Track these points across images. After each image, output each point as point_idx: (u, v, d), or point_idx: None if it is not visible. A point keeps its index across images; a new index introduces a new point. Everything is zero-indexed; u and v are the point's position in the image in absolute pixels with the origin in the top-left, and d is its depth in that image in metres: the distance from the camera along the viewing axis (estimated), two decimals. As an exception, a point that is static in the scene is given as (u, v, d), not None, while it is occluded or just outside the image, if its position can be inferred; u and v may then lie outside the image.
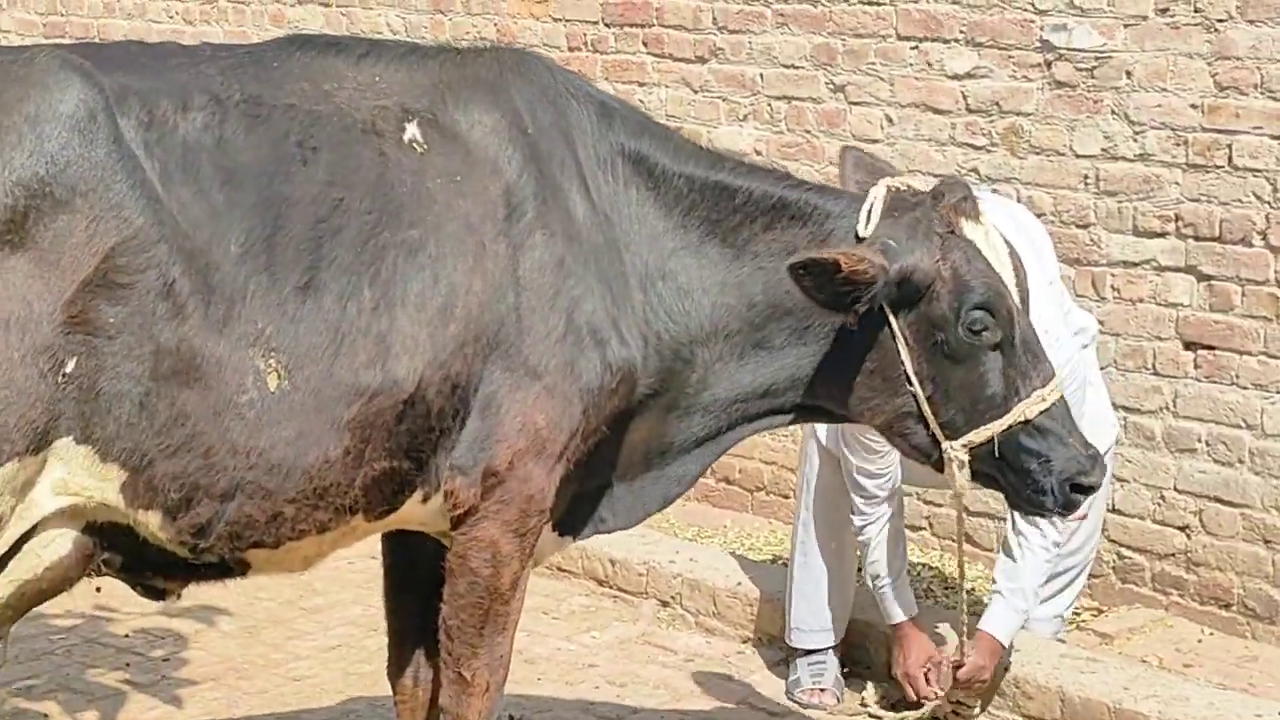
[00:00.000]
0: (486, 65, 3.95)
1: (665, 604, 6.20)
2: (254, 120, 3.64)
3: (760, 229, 4.01)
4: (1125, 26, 6.07)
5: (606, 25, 7.49)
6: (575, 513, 4.13)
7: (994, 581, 5.33)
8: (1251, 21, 5.81)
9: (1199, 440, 6.05)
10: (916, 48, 6.60)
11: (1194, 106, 5.95)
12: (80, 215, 3.35)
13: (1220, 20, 5.86)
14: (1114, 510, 6.22)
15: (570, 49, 7.55)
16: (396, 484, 3.76)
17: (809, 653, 5.57)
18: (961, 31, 6.47)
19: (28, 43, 8.43)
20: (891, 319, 3.89)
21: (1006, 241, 4.01)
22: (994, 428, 3.89)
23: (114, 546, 3.61)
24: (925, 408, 3.91)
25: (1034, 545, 5.21)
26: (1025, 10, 6.29)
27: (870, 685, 5.60)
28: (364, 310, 3.61)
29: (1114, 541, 6.24)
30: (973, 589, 6.20)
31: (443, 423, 3.73)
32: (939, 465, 3.99)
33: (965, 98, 6.49)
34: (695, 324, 4.01)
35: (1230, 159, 5.88)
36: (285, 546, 3.72)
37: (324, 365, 3.57)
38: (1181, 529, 6.10)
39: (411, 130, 3.77)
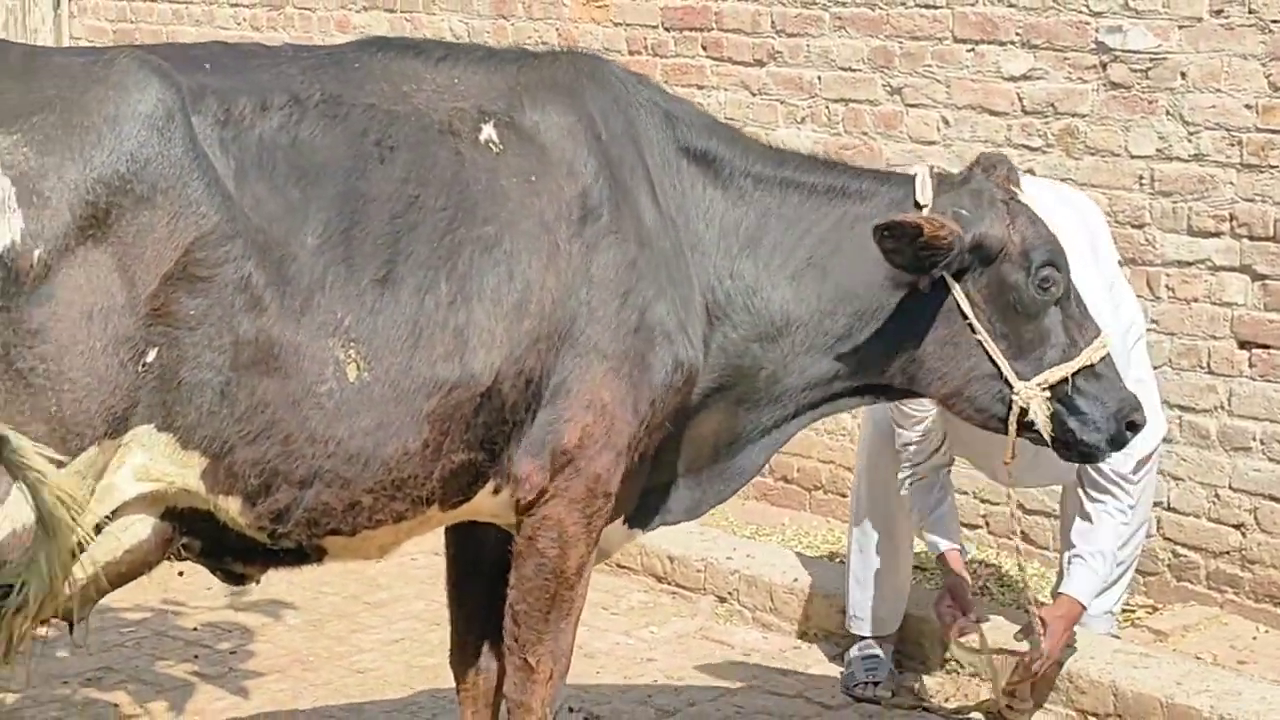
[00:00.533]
0: (563, 70, 4.04)
1: (723, 600, 6.27)
2: (333, 119, 3.72)
3: (822, 218, 4.15)
4: (1180, 28, 6.10)
5: (666, 29, 7.57)
6: (644, 505, 4.22)
7: (1072, 546, 5.36)
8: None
9: (1254, 439, 6.07)
10: (973, 50, 6.65)
11: (1248, 107, 5.97)
12: (160, 211, 3.45)
13: (1275, 21, 5.89)
14: (1169, 508, 6.26)
15: (630, 53, 7.64)
16: (471, 475, 3.84)
17: (864, 647, 5.63)
18: (1017, 34, 6.52)
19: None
20: (954, 285, 4.09)
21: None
22: (1067, 368, 4.15)
23: (193, 531, 3.70)
24: (1001, 362, 4.11)
25: (1110, 508, 5.29)
26: (1080, 12, 6.34)
27: (924, 679, 5.66)
28: (441, 304, 3.68)
29: (1169, 540, 6.27)
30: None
31: (516, 415, 3.81)
32: (1002, 423, 4.20)
33: (1021, 99, 6.54)
34: (765, 320, 4.12)
35: (1285, 159, 5.92)
36: (362, 535, 3.80)
37: (403, 357, 3.64)
38: (1236, 527, 6.13)
39: (488, 131, 3.86)
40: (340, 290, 3.60)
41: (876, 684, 5.55)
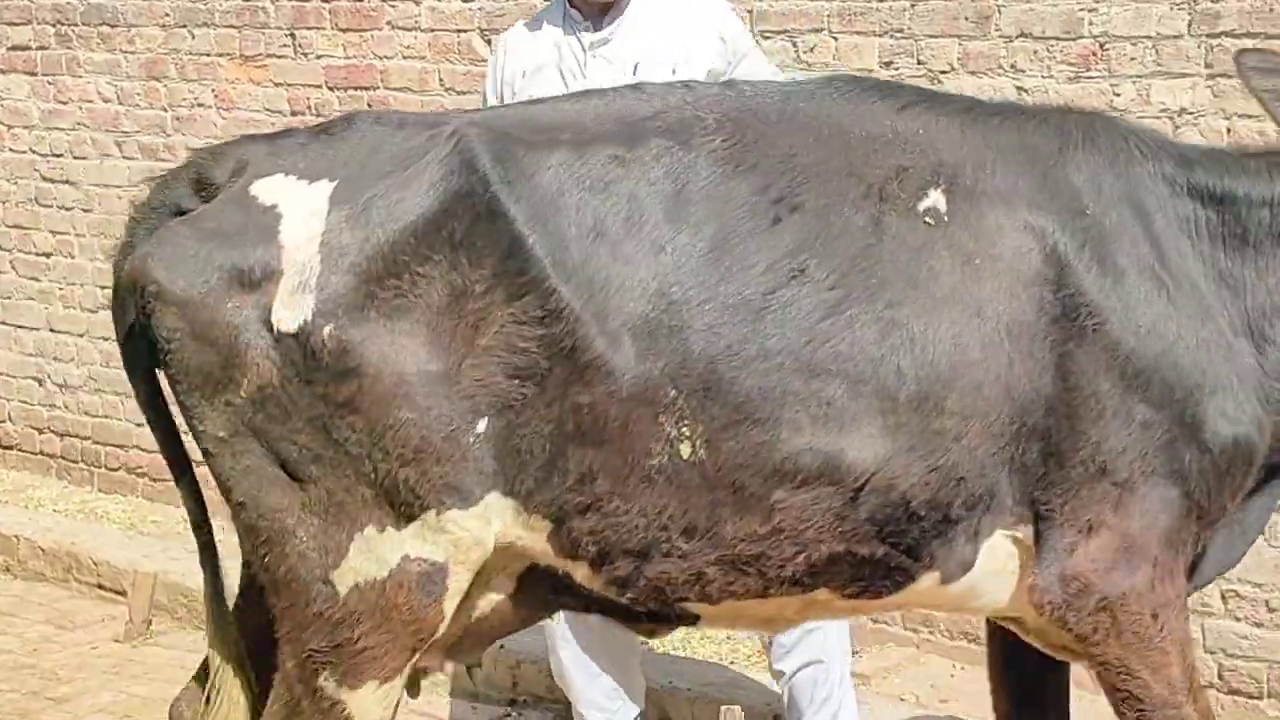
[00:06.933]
0: (1049, 133, 3.61)
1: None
2: (735, 169, 3.43)
3: None
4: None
5: (330, 89, 7.42)
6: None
7: None
8: (972, 73, 6.01)
9: (941, 479, 6.21)
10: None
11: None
12: (472, 282, 3.31)
13: (943, 72, 6.05)
14: (861, 552, 6.35)
15: (293, 113, 7.46)
16: (872, 568, 3.50)
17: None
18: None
19: None
20: None
21: None
22: None
23: (564, 589, 3.55)
24: None
25: None
26: (753, 66, 6.41)
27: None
28: (800, 393, 3.36)
29: (863, 583, 6.37)
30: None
31: (941, 513, 3.44)
32: None
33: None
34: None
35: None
36: (726, 605, 3.54)
37: (748, 441, 3.36)
38: (928, 567, 6.25)
39: (932, 198, 3.47)
40: (679, 367, 3.33)
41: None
